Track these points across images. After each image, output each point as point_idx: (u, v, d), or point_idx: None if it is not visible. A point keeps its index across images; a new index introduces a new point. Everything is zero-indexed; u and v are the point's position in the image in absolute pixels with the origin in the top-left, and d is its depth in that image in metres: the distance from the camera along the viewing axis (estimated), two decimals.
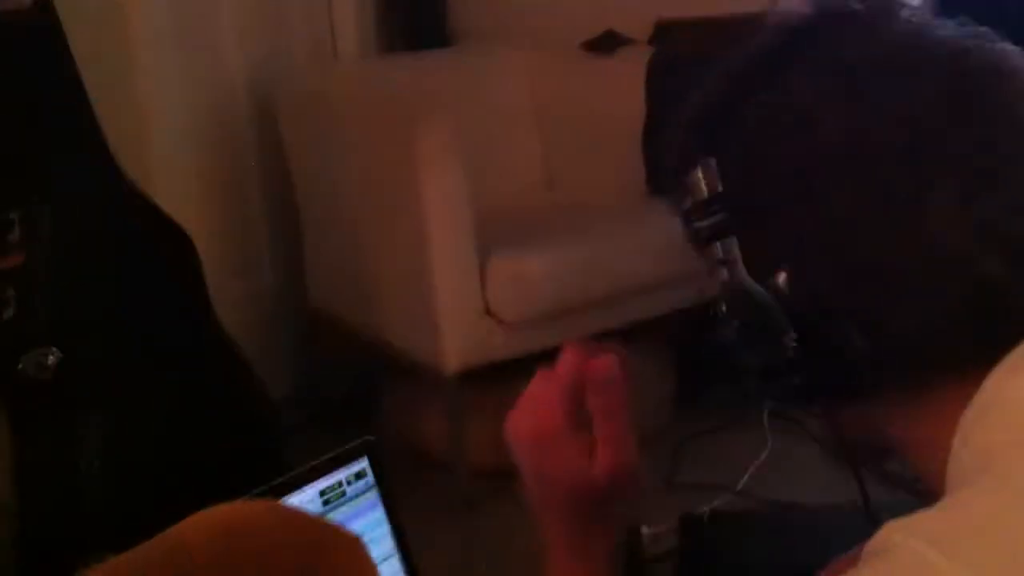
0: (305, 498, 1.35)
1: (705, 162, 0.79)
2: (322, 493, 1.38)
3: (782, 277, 0.76)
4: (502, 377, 2.35)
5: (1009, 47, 0.78)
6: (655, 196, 2.58)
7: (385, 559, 1.42)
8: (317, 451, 2.55)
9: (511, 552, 2.13)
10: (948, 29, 0.78)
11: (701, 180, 0.79)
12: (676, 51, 2.65)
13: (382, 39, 3.01)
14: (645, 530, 1.93)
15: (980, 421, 0.71)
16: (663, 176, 0.86)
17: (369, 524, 1.42)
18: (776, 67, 0.79)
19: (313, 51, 2.90)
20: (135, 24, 2.48)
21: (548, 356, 0.94)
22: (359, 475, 1.42)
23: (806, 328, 0.75)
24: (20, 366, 1.80)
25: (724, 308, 0.79)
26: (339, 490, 1.40)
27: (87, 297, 1.87)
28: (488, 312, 2.22)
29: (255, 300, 2.77)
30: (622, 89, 2.65)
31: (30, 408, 1.86)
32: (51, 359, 1.79)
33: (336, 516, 1.38)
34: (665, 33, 2.75)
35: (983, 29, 0.79)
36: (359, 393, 2.78)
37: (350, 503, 1.41)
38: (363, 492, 1.43)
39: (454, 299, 2.19)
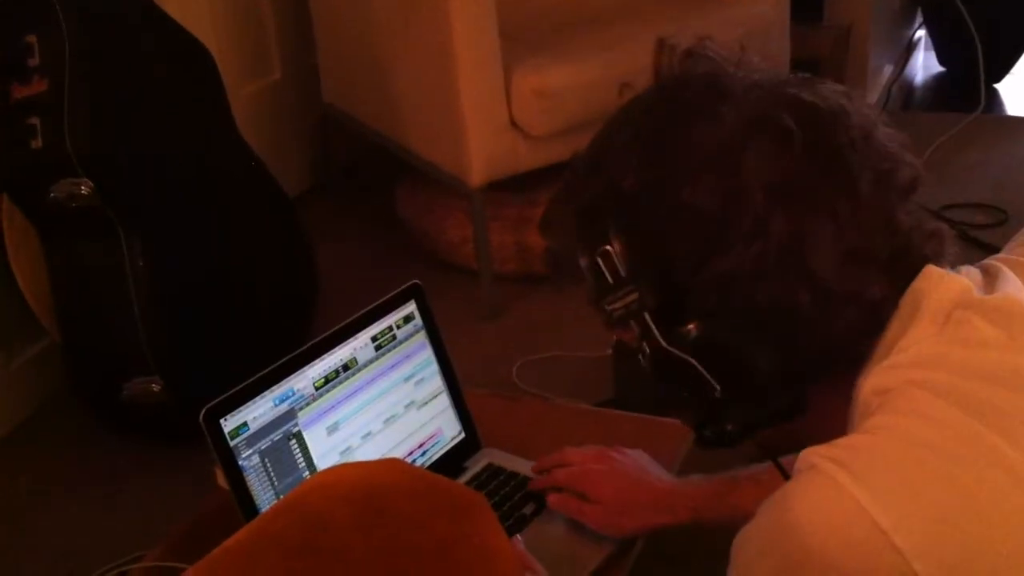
0: (358, 344, 1.38)
1: (604, 252, 0.85)
2: (374, 339, 1.40)
3: (691, 333, 0.83)
4: (523, 183, 2.35)
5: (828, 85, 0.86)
6: None
7: (435, 396, 1.47)
8: (339, 247, 2.58)
9: (536, 352, 2.18)
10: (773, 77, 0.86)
11: (603, 269, 0.85)
12: None
13: None
14: None
15: (873, 375, 0.81)
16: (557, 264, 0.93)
17: (419, 364, 1.45)
18: (646, 156, 0.85)
19: None
20: None
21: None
22: (407, 319, 1.45)
23: (726, 376, 0.84)
24: (52, 194, 1.78)
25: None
26: (390, 334, 1.42)
27: (114, 122, 1.83)
28: (513, 124, 2.18)
29: (266, 97, 2.73)
30: None
31: (63, 236, 1.86)
32: (83, 188, 1.77)
33: (388, 359, 1.41)
34: None
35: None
36: (374, 187, 2.79)
37: (400, 346, 1.43)
38: (412, 335, 1.45)
39: (480, 113, 2.14)
